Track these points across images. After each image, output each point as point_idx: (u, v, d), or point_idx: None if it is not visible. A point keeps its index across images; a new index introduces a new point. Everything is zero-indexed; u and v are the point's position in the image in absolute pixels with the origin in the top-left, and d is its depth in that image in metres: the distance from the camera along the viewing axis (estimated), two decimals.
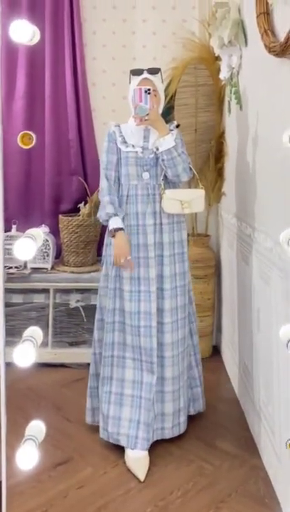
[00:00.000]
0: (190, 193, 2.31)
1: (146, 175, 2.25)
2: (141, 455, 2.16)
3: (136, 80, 2.26)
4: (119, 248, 2.21)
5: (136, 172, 2.26)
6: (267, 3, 2.03)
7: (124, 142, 2.28)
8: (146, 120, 2.19)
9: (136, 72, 2.28)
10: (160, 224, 2.26)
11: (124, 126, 2.33)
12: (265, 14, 2.06)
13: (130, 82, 2.29)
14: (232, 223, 2.87)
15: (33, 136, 1.50)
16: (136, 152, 2.25)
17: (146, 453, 2.18)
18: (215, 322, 3.39)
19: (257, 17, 2.09)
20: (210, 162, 3.25)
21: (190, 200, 2.26)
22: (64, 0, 3.29)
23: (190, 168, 2.30)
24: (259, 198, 2.28)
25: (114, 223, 2.22)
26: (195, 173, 2.37)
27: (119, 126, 2.32)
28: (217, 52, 2.86)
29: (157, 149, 2.22)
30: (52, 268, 3.21)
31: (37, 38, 1.58)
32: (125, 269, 2.23)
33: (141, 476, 2.06)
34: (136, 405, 2.24)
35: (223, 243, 3.22)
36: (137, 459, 2.15)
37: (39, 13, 3.30)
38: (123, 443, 2.21)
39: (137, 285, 2.24)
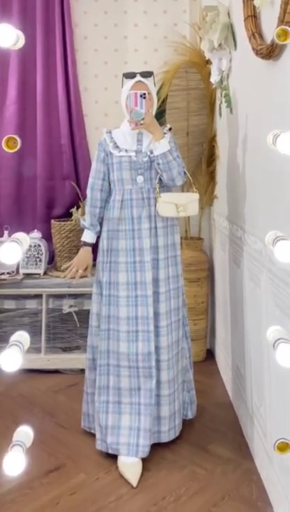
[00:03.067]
0: (185, 197, 2.31)
1: (140, 178, 2.25)
2: (135, 461, 2.15)
3: (129, 83, 2.25)
4: (79, 260, 2.36)
5: (130, 176, 2.25)
6: (254, 6, 2.03)
7: (116, 147, 2.28)
8: (141, 124, 2.19)
9: (129, 75, 2.28)
10: (156, 228, 2.26)
11: (115, 131, 2.33)
12: (252, 17, 2.07)
13: (122, 86, 2.29)
14: (224, 226, 2.87)
15: (18, 140, 1.49)
16: (130, 156, 2.24)
17: (139, 459, 2.16)
18: (209, 325, 3.38)
19: (245, 20, 2.10)
20: (202, 165, 3.25)
21: (185, 203, 2.26)
22: (55, 5, 3.29)
23: (185, 172, 2.30)
24: (249, 200, 2.28)
25: (85, 237, 2.37)
26: (189, 176, 2.37)
27: (110, 132, 2.32)
28: (207, 55, 2.86)
29: (151, 153, 2.22)
30: (45, 273, 3.19)
31: (21, 43, 1.57)
32: (71, 276, 2.35)
33: (134, 482, 2.05)
34: (135, 412, 2.23)
35: (216, 246, 3.21)
36: (130, 465, 2.13)
37: (30, 19, 3.30)
38: (123, 452, 2.18)
39: (134, 290, 2.23)
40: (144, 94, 2.18)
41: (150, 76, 2.30)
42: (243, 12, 2.12)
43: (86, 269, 2.37)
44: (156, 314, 2.25)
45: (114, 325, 2.25)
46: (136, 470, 2.11)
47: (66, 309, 3.12)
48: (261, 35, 2.02)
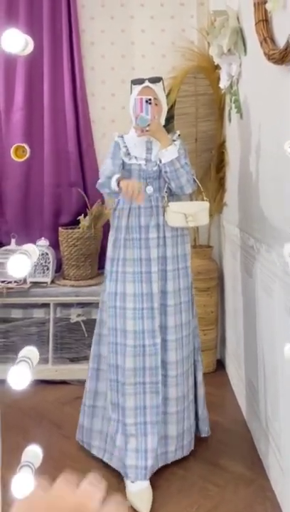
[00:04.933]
0: (194, 206, 2.24)
1: (149, 189, 2.18)
2: (144, 487, 2.03)
3: (137, 88, 2.20)
4: (129, 184, 2.04)
5: None
6: (266, 10, 1.99)
7: (128, 154, 2.21)
8: (147, 131, 2.13)
9: (137, 82, 2.23)
10: (164, 237, 2.19)
11: (127, 136, 2.27)
12: (264, 21, 2.03)
13: (131, 93, 2.25)
14: (234, 234, 2.82)
15: (27, 148, 1.45)
16: (140, 165, 2.18)
17: (148, 483, 2.05)
18: (219, 335, 3.32)
19: (256, 24, 2.05)
20: (211, 172, 3.21)
21: (194, 212, 2.19)
22: (62, 11, 3.27)
23: (194, 180, 2.23)
24: (261, 208, 2.22)
25: (114, 181, 2.11)
26: (199, 184, 2.31)
27: (122, 136, 2.26)
28: (216, 61, 2.82)
29: (160, 161, 2.16)
30: (53, 282, 3.15)
31: (30, 48, 1.53)
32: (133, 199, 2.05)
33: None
34: (141, 433, 2.13)
35: (226, 254, 3.16)
36: (140, 492, 2.01)
37: (37, 25, 3.27)
38: (131, 476, 2.07)
39: (140, 302, 2.14)
40: (150, 99, 2.12)
41: (158, 81, 2.24)
42: (254, 16, 2.07)
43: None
44: (164, 328, 2.17)
45: (122, 339, 2.17)
46: (146, 498, 1.99)
47: (74, 318, 3.07)
48: (273, 40, 1.97)
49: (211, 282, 3.16)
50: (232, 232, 2.88)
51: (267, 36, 1.99)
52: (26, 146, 1.30)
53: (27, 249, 1.24)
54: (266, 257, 2.10)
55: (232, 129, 2.91)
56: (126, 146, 2.22)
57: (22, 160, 1.30)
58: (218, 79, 2.97)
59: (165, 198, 2.18)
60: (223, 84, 2.83)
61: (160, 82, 2.25)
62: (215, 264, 3.24)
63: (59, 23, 3.29)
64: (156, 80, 2.23)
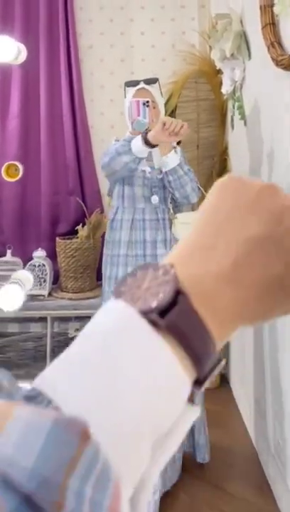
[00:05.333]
0: None
1: (154, 198, 2.04)
2: None
3: (132, 90, 2.07)
4: (164, 119, 1.86)
5: (143, 193, 2.04)
6: (273, 13, 1.89)
7: None
8: None
9: (132, 84, 2.10)
10: None
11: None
12: (271, 25, 1.93)
13: (125, 96, 2.12)
14: None
15: (20, 166, 1.36)
16: (144, 171, 2.04)
17: None
18: (223, 348, 3.21)
19: (262, 28, 1.96)
20: (213, 179, 3.10)
21: None
22: (59, 14, 3.17)
23: (198, 187, 2.11)
24: None
25: (137, 139, 1.91)
26: (204, 191, 2.20)
27: (118, 141, 2.15)
28: (218, 65, 2.72)
29: (160, 171, 2.04)
30: (50, 294, 3.01)
31: (23, 56, 1.44)
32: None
33: None
34: None
35: None
36: None
37: (33, 29, 3.17)
38: None
39: None
40: (147, 102, 1.98)
41: (154, 83, 2.10)
42: (260, 20, 1.98)
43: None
44: None
45: None
46: None
47: (72, 333, 2.96)
48: (281, 45, 1.88)
49: None
50: None
51: (275, 41, 1.90)
52: (19, 164, 1.19)
53: (20, 278, 1.14)
54: None
55: (234, 136, 2.82)
56: None
57: (14, 180, 1.20)
58: (220, 84, 2.87)
59: (171, 210, 2.06)
60: (226, 89, 2.72)
61: (157, 84, 2.11)
62: None
63: (56, 26, 3.18)
64: (151, 81, 2.09)
